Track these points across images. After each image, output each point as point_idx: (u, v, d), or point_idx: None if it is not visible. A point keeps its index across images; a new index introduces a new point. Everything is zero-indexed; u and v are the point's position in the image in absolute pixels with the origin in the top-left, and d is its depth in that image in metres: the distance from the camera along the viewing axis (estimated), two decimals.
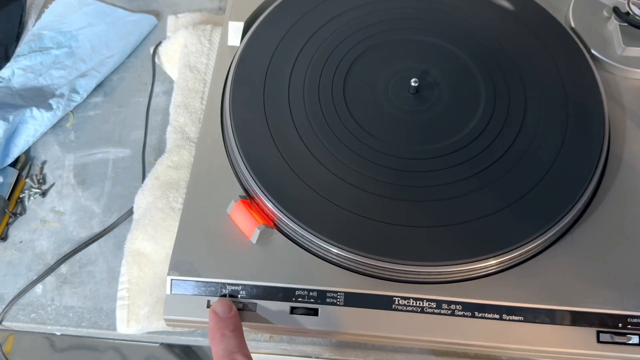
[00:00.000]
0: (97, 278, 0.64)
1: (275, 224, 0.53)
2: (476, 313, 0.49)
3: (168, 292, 0.51)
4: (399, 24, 0.64)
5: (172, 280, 0.51)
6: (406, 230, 0.51)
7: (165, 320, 0.51)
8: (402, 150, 0.55)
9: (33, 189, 0.68)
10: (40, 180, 0.69)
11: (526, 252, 0.50)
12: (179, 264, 0.52)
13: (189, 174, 0.59)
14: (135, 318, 0.59)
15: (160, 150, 0.69)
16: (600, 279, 0.50)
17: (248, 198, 0.54)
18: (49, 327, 0.62)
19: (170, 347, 0.81)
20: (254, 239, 0.52)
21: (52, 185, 0.69)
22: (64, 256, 0.64)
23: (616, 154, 0.56)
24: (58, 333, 0.63)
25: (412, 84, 0.58)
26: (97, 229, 0.66)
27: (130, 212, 0.65)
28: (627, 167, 0.55)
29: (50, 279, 0.64)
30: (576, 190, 0.53)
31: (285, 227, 0.52)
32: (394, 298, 0.49)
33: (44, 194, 0.68)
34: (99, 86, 0.76)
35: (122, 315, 0.59)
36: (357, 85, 0.60)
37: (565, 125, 0.56)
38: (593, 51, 0.62)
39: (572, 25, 0.64)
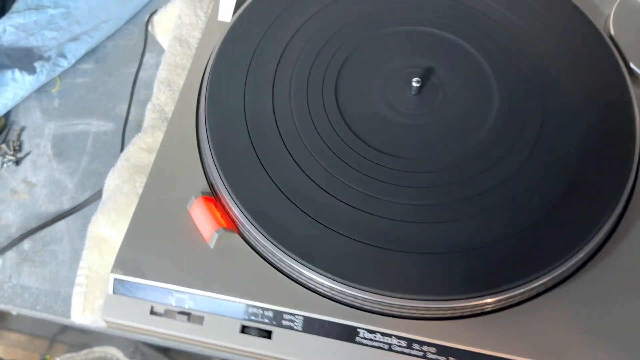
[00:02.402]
0: (59, 259, 0.58)
1: (237, 229, 0.46)
2: (450, 359, 0.41)
3: (110, 291, 0.45)
4: (410, 13, 0.55)
5: (114, 279, 0.45)
6: (385, 254, 0.43)
7: (105, 322, 0.45)
8: (393, 160, 0.47)
9: (7, 156, 0.63)
10: (17, 148, 0.64)
11: (517, 295, 0.42)
12: (124, 262, 0.45)
13: None
14: (91, 308, 0.53)
15: None
16: (597, 336, 0.41)
17: (213, 195, 0.47)
18: (1, 306, 0.56)
19: None
20: (211, 242, 0.45)
21: (28, 153, 0.64)
22: (28, 231, 0.59)
23: None
24: (14, 313, 0.58)
25: (414, 83, 0.49)
26: (66, 206, 0.60)
27: (100, 193, 0.59)
28: None
29: (11, 254, 0.58)
30: (590, 227, 0.44)
31: (248, 234, 0.45)
32: (358, 330, 0.42)
33: (17, 162, 0.63)
34: (91, 52, 0.69)
35: (78, 303, 0.53)
36: (352, 80, 0.52)
37: (585, 148, 0.47)
38: (632, 65, 0.52)
39: (612, 32, 0.54)
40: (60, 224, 0.59)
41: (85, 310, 0.53)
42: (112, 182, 0.56)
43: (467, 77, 0.52)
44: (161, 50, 0.68)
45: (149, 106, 0.58)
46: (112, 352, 1.13)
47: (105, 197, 0.56)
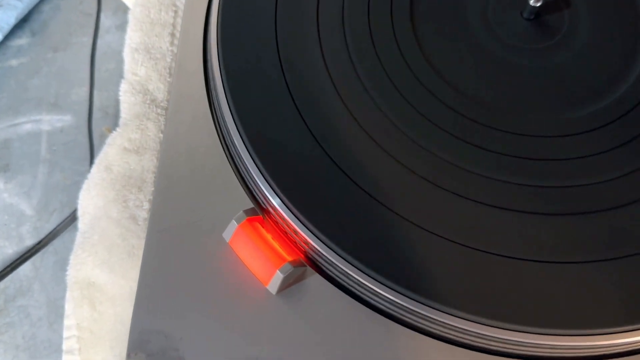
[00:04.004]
0: (32, 317, 0.41)
1: (309, 259, 0.29)
2: None
3: None
4: None
5: None
6: (535, 268, 0.27)
7: None
8: (516, 122, 0.31)
9: None
10: None
11: None
12: (144, 338, 0.28)
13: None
14: None
15: (116, 115, 0.44)
16: None
17: (260, 213, 0.30)
18: None
19: None
20: (273, 286, 0.28)
21: None
22: None
23: None
24: None
25: (531, 2, 0.33)
26: (29, 241, 0.43)
27: (73, 216, 0.41)
28: None
29: None
30: None
31: (329, 267, 0.28)
32: None
33: None
34: (23, 21, 0.50)
35: None
36: (434, 3, 0.35)
37: None
38: None
39: None
40: (25, 268, 0.42)
41: None
42: (90, 202, 0.38)
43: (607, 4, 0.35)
44: (120, 7, 0.49)
45: (123, 86, 0.40)
46: None
47: (84, 225, 0.39)
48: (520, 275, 0.27)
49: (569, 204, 0.29)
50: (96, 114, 0.45)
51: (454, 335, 0.27)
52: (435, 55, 0.33)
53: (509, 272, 0.27)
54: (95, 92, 0.46)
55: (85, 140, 0.45)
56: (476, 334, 0.26)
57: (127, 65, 0.41)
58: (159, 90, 0.39)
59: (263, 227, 0.30)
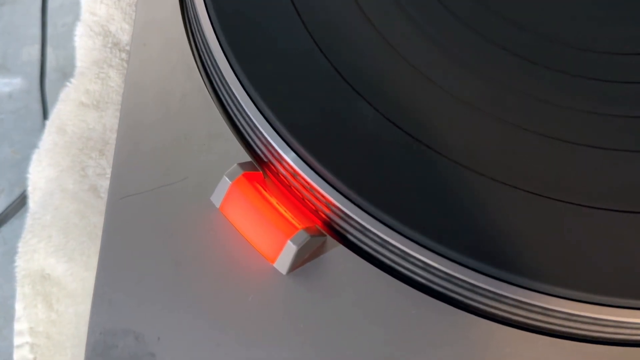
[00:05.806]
0: None
1: (329, 227, 0.21)
2: None
3: None
4: None
5: None
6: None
7: None
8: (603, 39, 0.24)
9: None
10: None
11: None
12: (108, 341, 0.20)
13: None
14: None
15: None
16: None
17: (259, 168, 0.22)
18: None
19: None
20: (282, 264, 0.20)
21: None
22: None
23: None
24: None
25: None
26: None
27: (25, 197, 0.33)
28: None
29: None
30: None
31: (361, 235, 0.20)
32: None
33: None
34: None
35: None
36: None
37: None
38: None
39: None
40: None
41: None
42: (41, 175, 0.30)
43: None
44: None
45: (79, 29, 0.32)
46: None
47: (35, 204, 0.30)
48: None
49: None
50: (52, 76, 0.37)
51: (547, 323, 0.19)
52: None
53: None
54: (51, 51, 0.38)
55: (39, 106, 0.36)
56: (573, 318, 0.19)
57: (84, 5, 0.33)
58: (124, 31, 0.31)
59: (264, 186, 0.22)
